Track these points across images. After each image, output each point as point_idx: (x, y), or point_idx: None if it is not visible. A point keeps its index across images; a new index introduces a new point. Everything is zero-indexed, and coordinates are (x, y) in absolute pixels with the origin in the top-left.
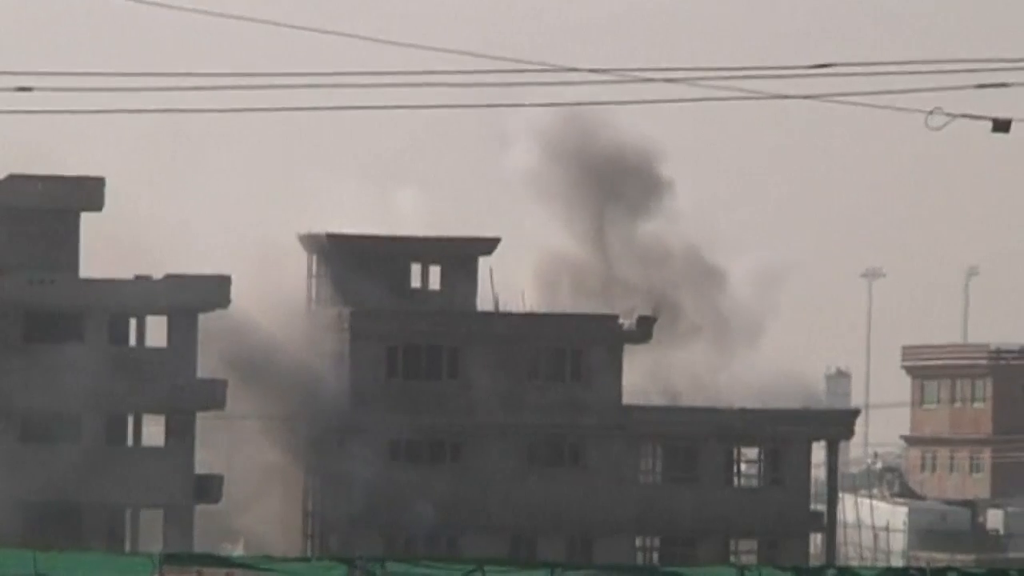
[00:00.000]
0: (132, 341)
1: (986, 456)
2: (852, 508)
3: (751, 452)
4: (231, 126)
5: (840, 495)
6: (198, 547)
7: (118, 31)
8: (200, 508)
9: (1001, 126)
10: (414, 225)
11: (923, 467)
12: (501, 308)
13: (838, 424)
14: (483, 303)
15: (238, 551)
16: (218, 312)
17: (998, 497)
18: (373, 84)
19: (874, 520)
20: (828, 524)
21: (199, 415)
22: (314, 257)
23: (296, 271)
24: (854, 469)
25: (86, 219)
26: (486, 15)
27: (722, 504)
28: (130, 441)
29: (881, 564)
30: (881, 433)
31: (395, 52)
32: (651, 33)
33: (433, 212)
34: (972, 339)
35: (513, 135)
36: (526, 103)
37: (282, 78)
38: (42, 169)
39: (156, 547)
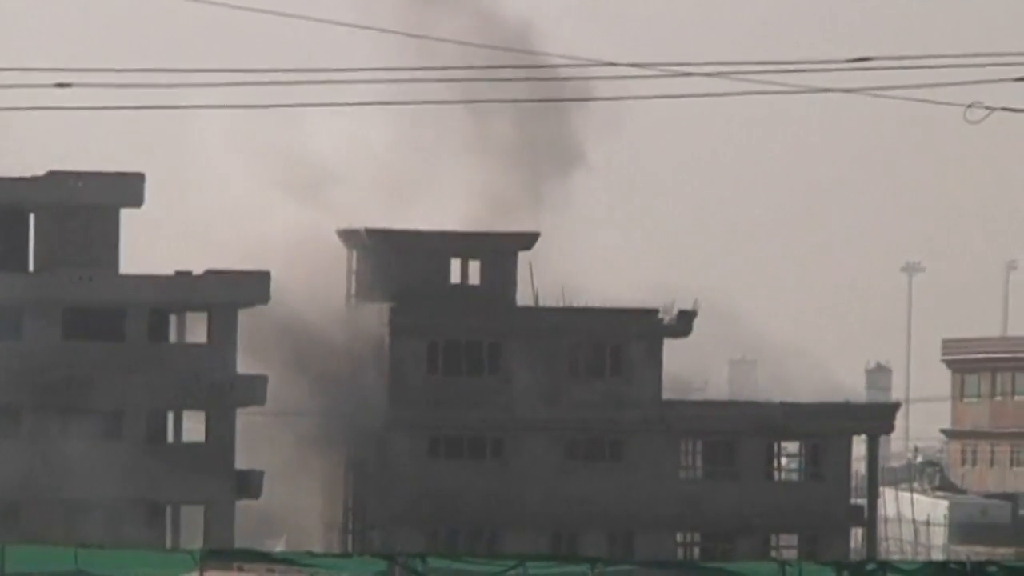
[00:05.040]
0: (172, 337)
1: None
2: (892, 502)
3: (791, 446)
4: (272, 121)
5: (880, 489)
6: (239, 543)
7: (157, 27)
8: (241, 504)
9: None
10: (459, 220)
11: (964, 461)
12: (541, 303)
13: (878, 418)
14: (523, 298)
15: (279, 547)
16: (258, 308)
17: None
18: (418, 80)
19: (914, 514)
20: (868, 518)
21: (239, 411)
22: (354, 252)
23: (336, 266)
24: (894, 463)
25: (126, 215)
26: (527, 9)
27: (762, 499)
28: (171, 437)
29: (922, 558)
30: (921, 427)
31: (434, 47)
32: (689, 27)
33: (478, 208)
34: (1012, 332)
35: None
36: (566, 98)
37: (322, 73)
38: (82, 165)
39: (197, 543)
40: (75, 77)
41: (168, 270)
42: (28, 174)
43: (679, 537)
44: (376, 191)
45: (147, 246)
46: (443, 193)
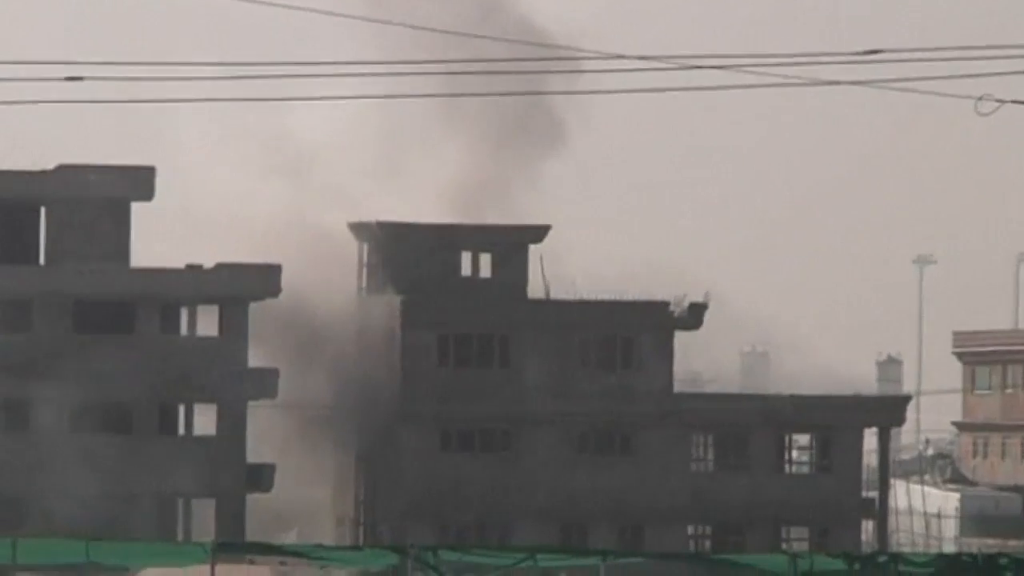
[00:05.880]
0: (183, 330)
1: None
2: (903, 495)
3: (802, 439)
4: (280, 113)
5: (891, 482)
6: (250, 536)
7: (167, 20)
8: (252, 497)
9: None
10: (447, 207)
11: (975, 453)
12: (551, 296)
13: (889, 410)
14: (534, 291)
15: (290, 540)
16: (269, 301)
17: None
18: (413, 72)
19: (926, 507)
20: (879, 511)
21: (250, 404)
22: (365, 245)
23: (347, 259)
24: (905, 456)
25: (137, 209)
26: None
27: (773, 491)
28: (182, 430)
29: (933, 551)
30: (932, 419)
31: (435, 40)
32: (700, 20)
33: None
34: (1023, 325)
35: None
36: (576, 90)
37: (331, 67)
38: (84, 158)
39: (208, 536)
40: (86, 70)
41: (176, 263)
42: (38, 168)
43: (689, 530)
44: (363, 177)
45: (156, 239)
46: (435, 179)
